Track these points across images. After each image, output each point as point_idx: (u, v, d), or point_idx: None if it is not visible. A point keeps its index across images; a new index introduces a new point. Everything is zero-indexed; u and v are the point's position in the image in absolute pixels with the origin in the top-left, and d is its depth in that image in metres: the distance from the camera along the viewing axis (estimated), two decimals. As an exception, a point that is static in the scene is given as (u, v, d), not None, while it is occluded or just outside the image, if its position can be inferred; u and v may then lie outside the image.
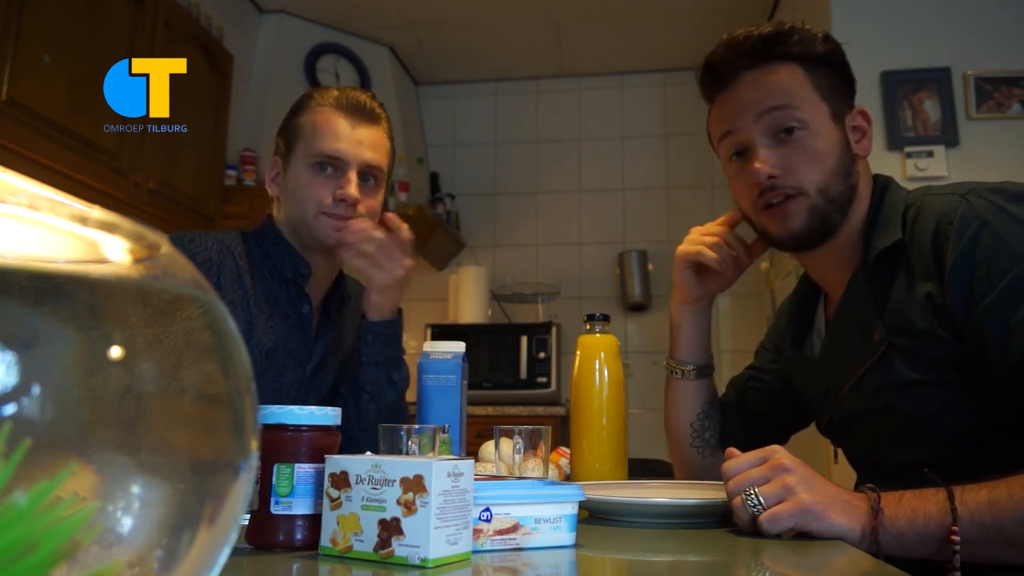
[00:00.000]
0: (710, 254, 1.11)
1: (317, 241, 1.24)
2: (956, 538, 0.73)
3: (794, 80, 0.99)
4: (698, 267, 1.14)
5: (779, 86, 0.99)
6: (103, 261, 0.33)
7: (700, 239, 1.14)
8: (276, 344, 1.22)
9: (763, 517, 0.73)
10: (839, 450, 1.12)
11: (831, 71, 1.01)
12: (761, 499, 0.74)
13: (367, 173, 1.25)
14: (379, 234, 1.21)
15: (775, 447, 0.79)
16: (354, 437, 1.20)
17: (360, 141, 1.23)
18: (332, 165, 1.22)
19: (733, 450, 0.80)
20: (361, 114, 1.24)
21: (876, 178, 1.04)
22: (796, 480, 0.74)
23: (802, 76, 0.99)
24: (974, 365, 0.86)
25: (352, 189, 1.21)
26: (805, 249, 1.02)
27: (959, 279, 0.85)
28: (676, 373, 1.19)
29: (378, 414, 1.23)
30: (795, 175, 0.97)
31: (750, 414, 1.21)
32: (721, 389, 1.25)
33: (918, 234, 0.92)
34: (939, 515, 0.75)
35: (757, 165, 0.97)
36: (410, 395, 1.28)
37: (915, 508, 0.76)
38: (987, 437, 0.89)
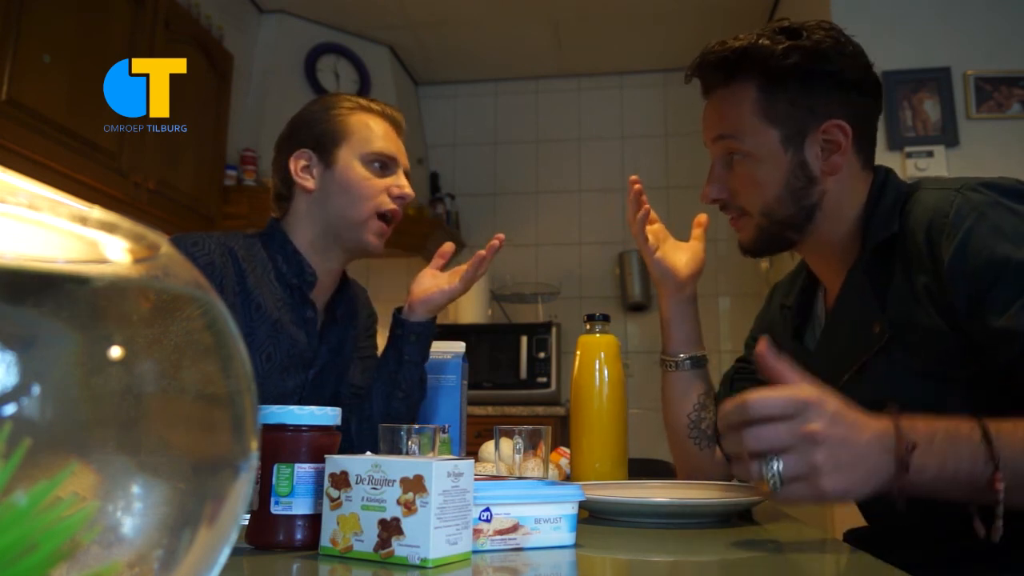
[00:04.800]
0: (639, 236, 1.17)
1: (358, 240, 1.27)
2: (1000, 486, 0.69)
3: (743, 107, 0.99)
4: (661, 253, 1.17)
5: (726, 114, 1.01)
6: (103, 261, 0.33)
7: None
8: (279, 349, 1.22)
9: (778, 495, 0.68)
10: None
11: (799, 85, 0.97)
12: (781, 473, 0.67)
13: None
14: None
15: (813, 399, 0.69)
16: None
17: (401, 147, 1.34)
18: (387, 165, 1.30)
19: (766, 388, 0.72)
20: (397, 124, 1.36)
21: (876, 170, 1.03)
22: (823, 459, 0.67)
23: (753, 100, 0.98)
24: (974, 357, 0.86)
25: (409, 188, 1.31)
26: (764, 256, 1.10)
27: (959, 273, 0.85)
28: (669, 365, 1.19)
29: (407, 413, 1.25)
30: (738, 199, 1.03)
31: None
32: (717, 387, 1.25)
33: (912, 226, 0.93)
34: (972, 465, 0.70)
35: (705, 191, 1.05)
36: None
37: (946, 455, 0.71)
38: None
